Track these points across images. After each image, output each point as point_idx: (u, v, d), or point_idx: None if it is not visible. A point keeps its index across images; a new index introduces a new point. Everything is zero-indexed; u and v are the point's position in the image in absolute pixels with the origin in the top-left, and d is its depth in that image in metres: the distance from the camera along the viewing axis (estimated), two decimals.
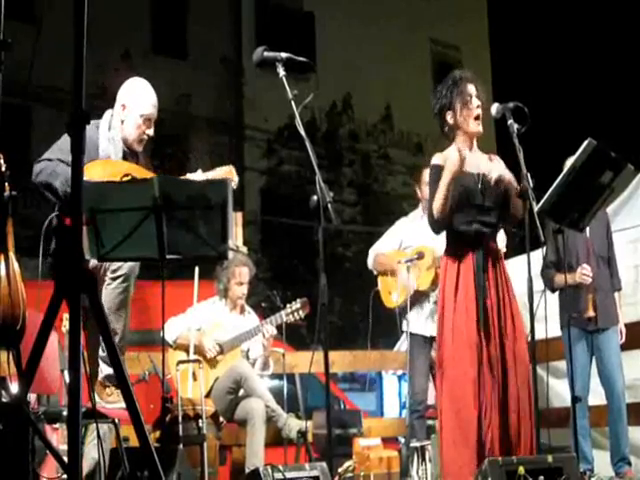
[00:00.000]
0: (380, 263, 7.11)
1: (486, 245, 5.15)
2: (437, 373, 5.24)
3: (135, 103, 5.34)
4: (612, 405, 6.65)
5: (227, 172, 5.35)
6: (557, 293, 6.76)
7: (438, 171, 5.18)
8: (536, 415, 4.99)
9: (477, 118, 5.20)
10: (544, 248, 6.39)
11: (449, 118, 5.24)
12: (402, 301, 6.79)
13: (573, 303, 6.51)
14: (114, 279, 5.05)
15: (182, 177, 5.27)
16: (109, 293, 5.06)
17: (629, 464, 6.59)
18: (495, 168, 5.25)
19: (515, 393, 4.96)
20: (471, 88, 5.19)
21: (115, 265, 5.02)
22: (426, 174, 6.60)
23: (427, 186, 6.17)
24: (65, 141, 5.03)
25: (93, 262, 4.84)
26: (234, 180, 5.32)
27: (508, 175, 5.20)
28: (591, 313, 6.54)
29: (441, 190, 5.10)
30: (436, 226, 5.27)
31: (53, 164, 5.02)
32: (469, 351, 4.93)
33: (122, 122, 5.33)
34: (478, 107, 5.18)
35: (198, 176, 5.28)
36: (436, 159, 5.27)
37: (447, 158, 5.16)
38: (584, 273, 6.55)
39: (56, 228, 4.64)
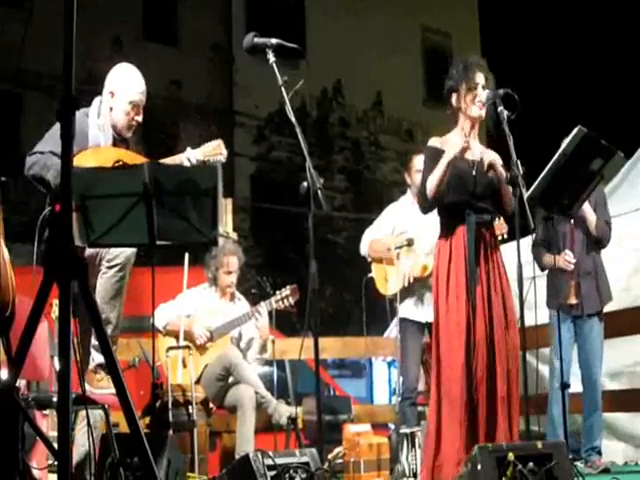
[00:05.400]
0: (375, 250, 7.00)
1: (478, 231, 5.14)
2: (431, 358, 5.23)
3: (123, 90, 5.33)
4: (588, 394, 6.66)
5: (215, 147, 5.34)
6: (546, 276, 6.79)
7: (434, 153, 5.20)
8: (524, 402, 5.00)
9: (480, 103, 5.17)
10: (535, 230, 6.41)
11: (454, 100, 5.26)
12: (399, 289, 6.74)
13: (559, 287, 6.53)
14: (110, 268, 5.03)
15: (172, 157, 5.28)
16: (104, 282, 5.04)
17: (599, 453, 6.62)
18: (489, 153, 5.25)
19: (502, 380, 4.95)
20: (479, 76, 5.19)
21: (111, 254, 5.01)
22: (416, 161, 6.59)
23: (417, 173, 6.17)
24: (56, 131, 4.98)
25: (89, 251, 4.84)
26: (223, 154, 5.32)
27: (500, 163, 5.20)
28: (573, 300, 6.54)
29: (439, 170, 5.11)
30: (426, 205, 5.28)
31: (45, 157, 5.00)
32: (458, 336, 4.94)
33: (111, 109, 5.33)
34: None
35: (187, 154, 5.28)
36: (434, 142, 5.28)
37: (448, 141, 5.19)
38: (566, 259, 6.56)
39: (49, 219, 4.65)
